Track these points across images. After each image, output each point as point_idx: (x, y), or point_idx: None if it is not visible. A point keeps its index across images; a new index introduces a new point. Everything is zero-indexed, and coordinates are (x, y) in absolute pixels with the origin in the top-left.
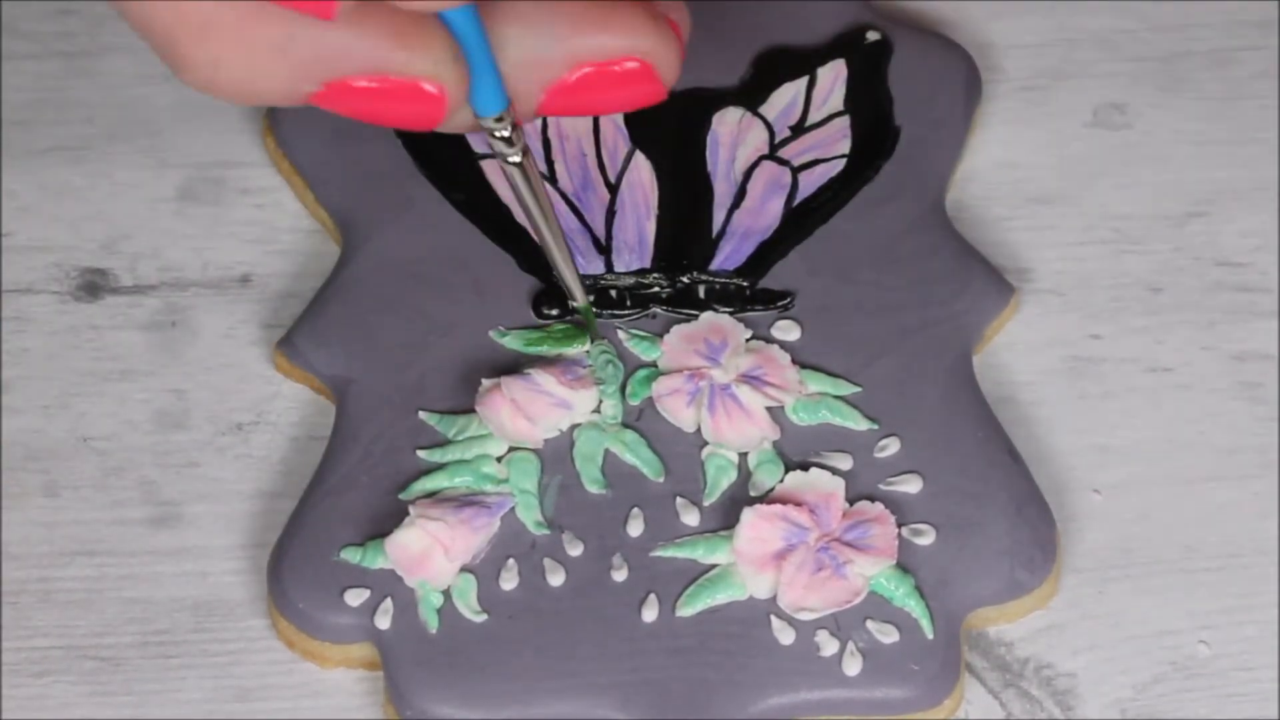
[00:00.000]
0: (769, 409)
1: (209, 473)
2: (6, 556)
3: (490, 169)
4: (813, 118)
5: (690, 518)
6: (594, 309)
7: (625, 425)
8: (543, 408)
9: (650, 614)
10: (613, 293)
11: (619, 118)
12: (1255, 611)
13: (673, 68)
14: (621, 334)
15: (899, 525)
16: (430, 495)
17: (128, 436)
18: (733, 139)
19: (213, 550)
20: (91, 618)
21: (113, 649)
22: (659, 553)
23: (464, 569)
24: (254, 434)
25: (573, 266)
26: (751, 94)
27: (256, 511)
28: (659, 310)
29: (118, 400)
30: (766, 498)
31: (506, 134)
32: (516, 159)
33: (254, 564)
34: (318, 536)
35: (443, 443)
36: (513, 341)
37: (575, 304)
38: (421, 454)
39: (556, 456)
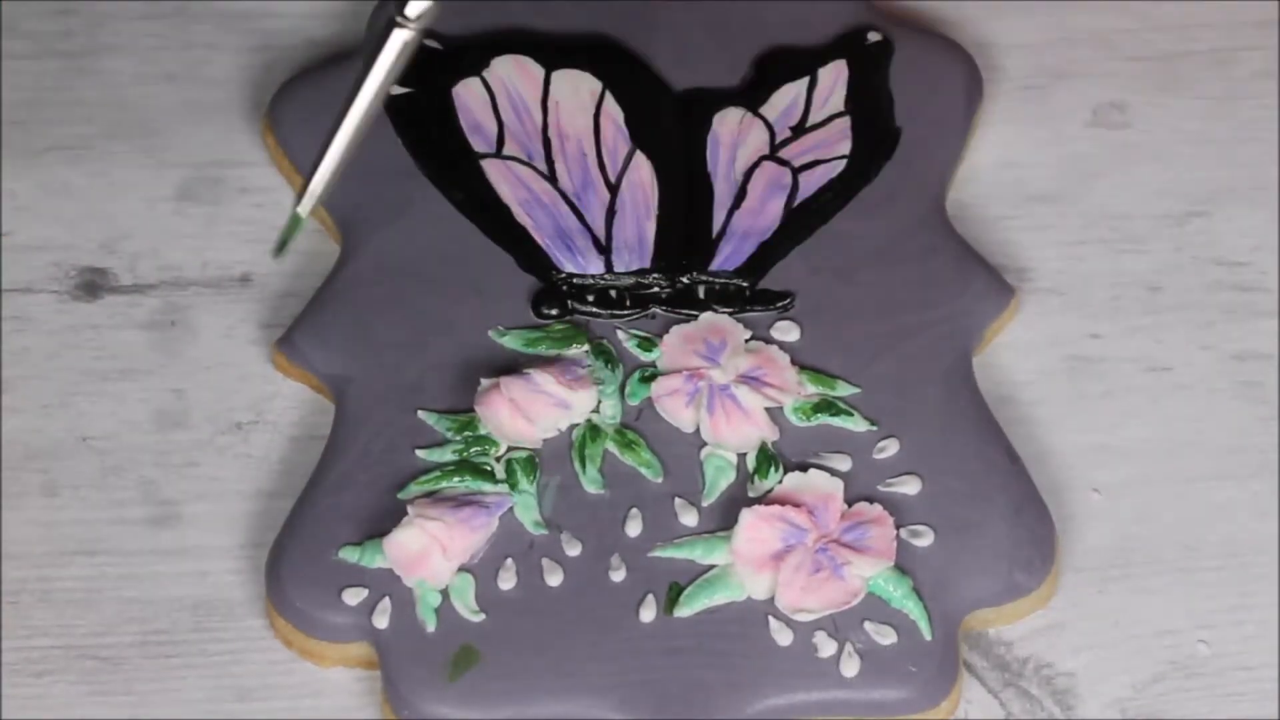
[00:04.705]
0: (768, 409)
1: (208, 472)
2: (6, 556)
3: (490, 169)
4: (813, 118)
5: (689, 518)
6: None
7: (624, 425)
8: (542, 407)
9: (648, 614)
10: (612, 293)
11: (619, 118)
12: (1255, 611)
13: None
14: (621, 334)
15: (897, 526)
16: (429, 495)
17: (127, 436)
18: (733, 139)
19: (212, 550)
20: (91, 617)
21: (112, 648)
22: (657, 553)
23: (462, 568)
24: (253, 433)
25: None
26: (752, 94)
27: (256, 511)
28: (658, 310)
29: (117, 399)
30: (765, 498)
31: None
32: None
33: (253, 563)
34: (316, 535)
35: (441, 442)
36: (512, 341)
37: (298, 209)
38: (420, 453)
39: (555, 456)
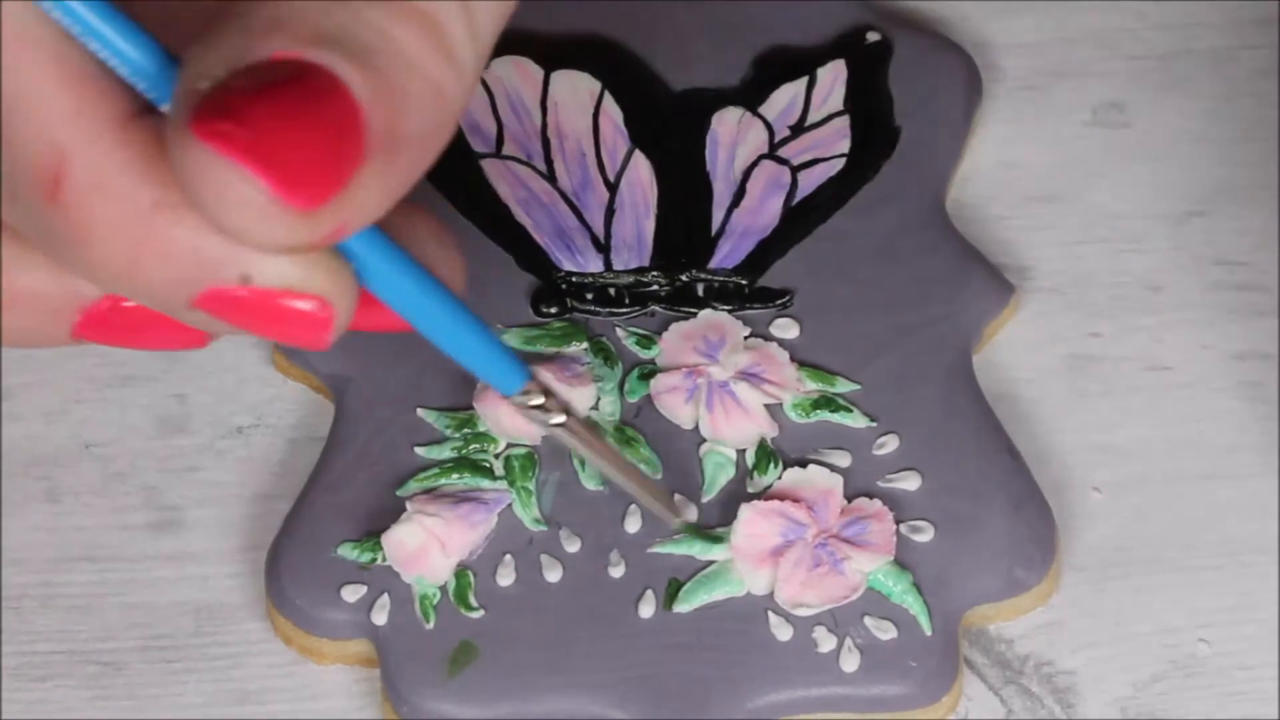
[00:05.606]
0: (767, 406)
1: (210, 476)
2: (9, 562)
3: (489, 168)
4: (812, 118)
5: (688, 514)
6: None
7: (623, 422)
8: None
9: (647, 610)
10: (612, 291)
11: (619, 117)
12: (1255, 610)
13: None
14: (620, 331)
15: (897, 522)
16: (428, 492)
17: (129, 442)
18: (732, 138)
19: (213, 554)
20: (93, 622)
21: (114, 653)
22: (656, 549)
23: (461, 565)
24: (254, 437)
25: (659, 496)
26: (751, 94)
27: (257, 514)
28: (658, 308)
29: (119, 406)
30: (764, 494)
31: (538, 402)
32: (559, 420)
33: (254, 567)
34: (315, 532)
35: (440, 439)
36: (511, 339)
37: (675, 526)
38: (419, 450)
39: (554, 453)
